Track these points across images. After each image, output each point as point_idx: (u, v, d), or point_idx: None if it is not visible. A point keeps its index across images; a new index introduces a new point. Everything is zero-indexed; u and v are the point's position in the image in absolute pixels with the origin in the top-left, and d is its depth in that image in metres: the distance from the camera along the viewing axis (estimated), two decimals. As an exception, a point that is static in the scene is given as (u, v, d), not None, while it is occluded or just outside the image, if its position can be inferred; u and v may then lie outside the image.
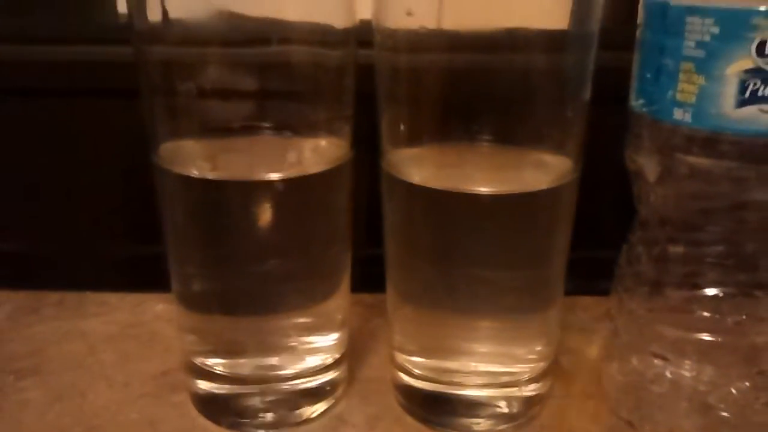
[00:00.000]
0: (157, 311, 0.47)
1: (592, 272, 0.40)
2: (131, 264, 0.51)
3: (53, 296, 0.49)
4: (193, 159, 0.34)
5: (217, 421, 0.37)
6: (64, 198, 0.51)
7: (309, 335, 0.38)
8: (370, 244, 0.38)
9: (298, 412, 0.38)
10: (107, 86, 0.47)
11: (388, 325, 0.39)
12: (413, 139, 0.35)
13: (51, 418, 0.38)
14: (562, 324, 0.45)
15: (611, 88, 0.34)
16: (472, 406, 0.37)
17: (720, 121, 0.31)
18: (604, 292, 0.39)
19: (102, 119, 0.48)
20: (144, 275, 0.45)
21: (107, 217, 0.51)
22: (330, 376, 0.39)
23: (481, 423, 0.37)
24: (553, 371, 0.39)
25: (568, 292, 0.47)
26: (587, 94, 0.34)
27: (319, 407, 0.38)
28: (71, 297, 0.49)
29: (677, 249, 0.35)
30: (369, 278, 0.40)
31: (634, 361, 0.37)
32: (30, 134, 0.49)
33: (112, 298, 0.49)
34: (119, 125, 0.47)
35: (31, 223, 0.51)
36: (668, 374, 0.36)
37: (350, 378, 0.41)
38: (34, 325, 0.46)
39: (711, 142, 0.31)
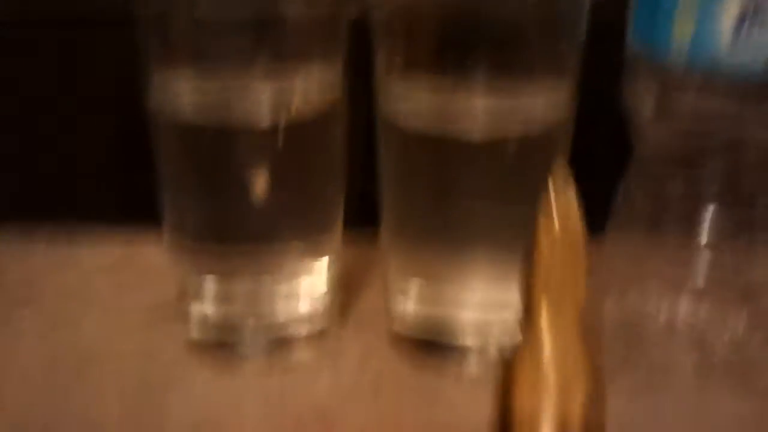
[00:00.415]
0: (154, 242, 0.47)
1: (589, 212, 0.40)
2: (125, 196, 0.50)
3: (45, 228, 0.48)
4: (184, 98, 0.34)
5: (210, 348, 0.37)
6: (57, 130, 0.50)
7: (302, 260, 0.37)
8: (365, 179, 0.38)
9: (290, 336, 0.38)
10: (99, 16, 0.45)
11: (382, 253, 0.39)
12: (407, 75, 0.34)
13: (45, 348, 0.38)
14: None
15: (608, 25, 0.33)
16: (468, 331, 0.37)
17: (717, 60, 0.30)
18: (601, 231, 0.39)
19: (96, 50, 0.47)
20: (139, 208, 0.44)
21: (101, 148, 0.50)
22: (323, 301, 0.38)
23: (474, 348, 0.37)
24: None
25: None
26: (582, 29, 0.33)
27: (312, 331, 0.38)
28: (64, 229, 0.49)
29: (673, 185, 0.34)
30: (364, 213, 0.39)
31: (630, 298, 0.37)
32: (19, 65, 0.48)
33: (106, 231, 0.49)
34: (113, 56, 0.46)
35: (22, 155, 0.50)
36: (664, 312, 0.36)
37: (344, 306, 0.41)
38: (26, 257, 0.46)
39: (707, 78, 0.31)
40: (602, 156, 0.40)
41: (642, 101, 0.33)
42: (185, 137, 0.34)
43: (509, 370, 0.21)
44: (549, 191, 0.22)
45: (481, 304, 0.37)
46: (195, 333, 0.38)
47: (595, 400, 0.21)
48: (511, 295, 0.36)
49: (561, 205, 0.22)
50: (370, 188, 0.38)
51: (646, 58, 0.32)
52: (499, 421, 0.20)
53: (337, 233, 0.39)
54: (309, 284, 0.38)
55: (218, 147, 0.34)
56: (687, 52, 0.30)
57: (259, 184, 0.35)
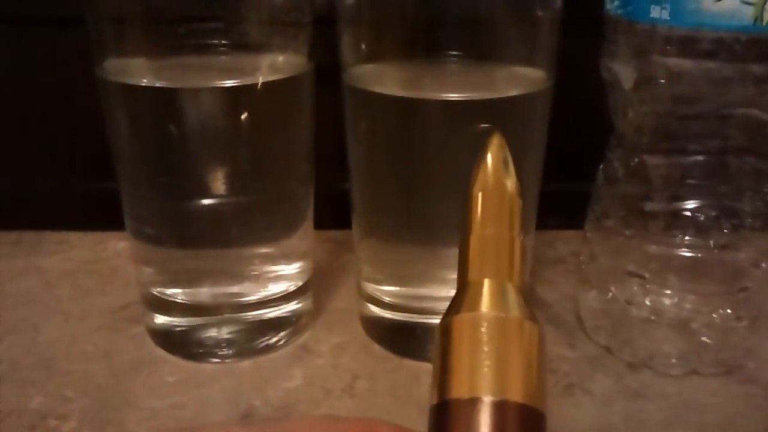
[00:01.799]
0: (119, 248, 0.45)
1: (578, 207, 0.38)
2: (92, 201, 0.49)
3: (11, 236, 0.47)
4: (139, 71, 0.32)
5: (175, 352, 0.36)
6: (22, 134, 0.48)
7: (271, 264, 0.36)
8: (340, 179, 0.36)
9: (259, 341, 0.36)
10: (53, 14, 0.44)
11: (354, 255, 0.37)
12: (377, 53, 0.33)
13: (1, 350, 0.36)
14: (540, 256, 0.44)
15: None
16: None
17: (699, 17, 0.29)
18: (582, 216, 0.38)
19: (57, 49, 0.46)
20: (105, 213, 0.43)
21: (67, 153, 0.49)
22: (293, 305, 0.37)
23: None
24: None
25: (552, 227, 0.46)
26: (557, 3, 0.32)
27: (282, 337, 0.36)
28: (29, 236, 0.47)
29: (655, 161, 0.33)
30: (340, 215, 0.38)
31: (612, 284, 0.36)
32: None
33: (72, 237, 0.47)
34: (76, 55, 0.45)
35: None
36: (649, 299, 0.35)
37: (317, 310, 0.39)
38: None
39: (689, 41, 0.30)
40: (581, 134, 0.39)
41: (622, 69, 0.32)
42: (138, 115, 0.33)
43: (447, 333, 0.19)
44: (484, 151, 0.21)
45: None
46: (158, 336, 0.36)
47: (536, 358, 0.19)
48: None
49: (495, 163, 0.21)
50: (348, 189, 0.36)
51: (625, 19, 0.31)
52: (438, 386, 0.19)
53: (307, 232, 0.37)
54: (279, 285, 0.36)
55: (177, 125, 0.32)
56: (669, 10, 0.29)
57: (220, 177, 0.33)
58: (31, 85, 0.46)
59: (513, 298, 0.20)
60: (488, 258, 0.21)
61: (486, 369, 0.18)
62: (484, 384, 0.18)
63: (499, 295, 0.20)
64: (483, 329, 0.19)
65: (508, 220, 0.21)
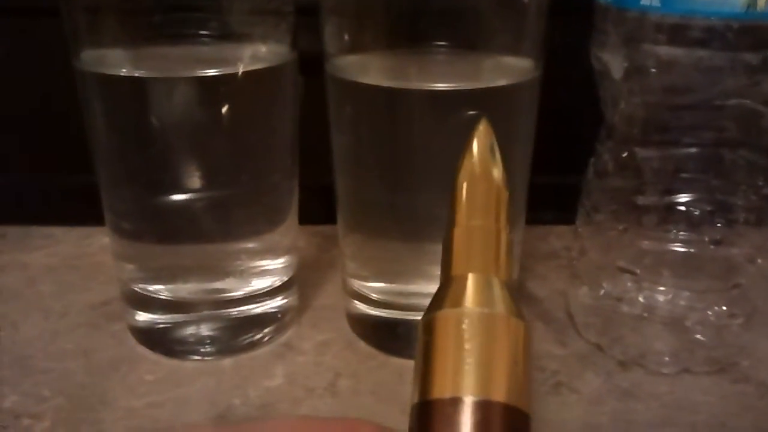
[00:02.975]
0: (104, 243, 0.44)
1: (573, 202, 0.37)
2: (78, 196, 0.48)
3: (-6, 230, 0.46)
4: (117, 62, 0.31)
5: (155, 350, 0.35)
6: (4, 128, 0.48)
7: (255, 259, 0.35)
8: (329, 172, 0.36)
9: (242, 339, 0.35)
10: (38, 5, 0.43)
11: (339, 251, 0.36)
12: (361, 43, 0.32)
13: (-22, 348, 0.35)
14: (533, 251, 0.43)
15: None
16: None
17: (690, 4, 0.28)
18: (573, 210, 0.37)
19: (36, 41, 0.45)
20: (92, 207, 0.42)
21: (55, 146, 0.48)
22: (278, 301, 0.36)
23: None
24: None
25: (547, 222, 0.45)
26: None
27: (266, 334, 0.36)
28: (14, 230, 0.47)
29: (647, 153, 0.32)
30: (328, 209, 0.37)
31: (603, 281, 0.35)
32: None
33: (58, 231, 0.47)
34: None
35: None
36: (641, 295, 0.34)
37: (302, 306, 0.38)
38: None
39: (681, 29, 0.29)
40: (573, 126, 0.38)
41: (612, 59, 0.31)
42: (116, 106, 0.32)
43: (429, 330, 0.18)
44: (470, 139, 0.21)
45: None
46: (138, 333, 0.36)
47: (522, 355, 0.18)
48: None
49: (482, 151, 0.21)
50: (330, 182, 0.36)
51: (615, 7, 0.30)
52: (420, 384, 0.18)
53: (292, 226, 0.36)
54: (263, 281, 0.35)
55: (156, 117, 0.31)
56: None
57: (201, 169, 0.33)
58: (13, 78, 0.45)
59: (498, 292, 0.19)
60: (474, 251, 0.20)
61: (467, 367, 0.17)
62: (467, 383, 0.17)
63: (483, 289, 0.19)
64: (465, 326, 0.18)
65: (494, 210, 0.21)
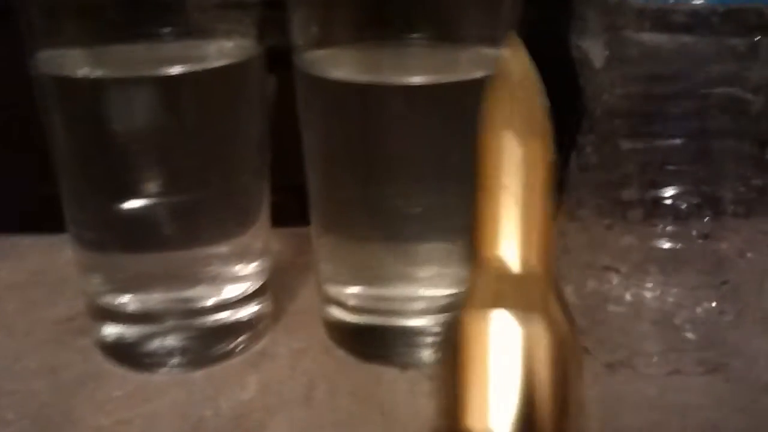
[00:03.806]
0: (70, 255, 0.43)
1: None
2: (44, 205, 0.46)
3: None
4: (75, 62, 0.30)
5: (124, 364, 0.33)
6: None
7: (225, 265, 0.34)
8: (303, 173, 0.34)
9: (215, 349, 0.34)
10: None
11: (313, 254, 0.35)
12: (330, 36, 0.31)
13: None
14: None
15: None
16: (408, 335, 0.33)
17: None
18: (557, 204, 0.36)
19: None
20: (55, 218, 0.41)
21: (19, 155, 0.46)
22: (251, 308, 0.35)
23: (416, 352, 0.33)
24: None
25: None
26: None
27: (239, 343, 0.34)
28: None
29: (631, 145, 0.31)
30: (303, 210, 0.36)
31: (589, 279, 0.34)
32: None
33: (24, 241, 0.45)
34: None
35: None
36: (629, 293, 0.33)
37: (277, 312, 0.37)
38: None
39: (663, 14, 0.27)
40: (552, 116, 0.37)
41: (592, 47, 0.30)
42: (74, 110, 0.31)
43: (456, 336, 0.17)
44: (503, 55, 0.18)
45: (424, 306, 0.33)
46: (106, 348, 0.34)
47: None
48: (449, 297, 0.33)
49: (517, 65, 0.18)
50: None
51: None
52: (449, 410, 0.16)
53: (263, 228, 0.35)
54: (235, 287, 0.34)
55: (117, 119, 0.30)
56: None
57: (165, 172, 0.31)
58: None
59: (534, 287, 0.17)
60: (508, 227, 0.17)
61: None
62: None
63: (517, 284, 0.17)
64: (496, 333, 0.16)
65: (539, 143, 0.18)
